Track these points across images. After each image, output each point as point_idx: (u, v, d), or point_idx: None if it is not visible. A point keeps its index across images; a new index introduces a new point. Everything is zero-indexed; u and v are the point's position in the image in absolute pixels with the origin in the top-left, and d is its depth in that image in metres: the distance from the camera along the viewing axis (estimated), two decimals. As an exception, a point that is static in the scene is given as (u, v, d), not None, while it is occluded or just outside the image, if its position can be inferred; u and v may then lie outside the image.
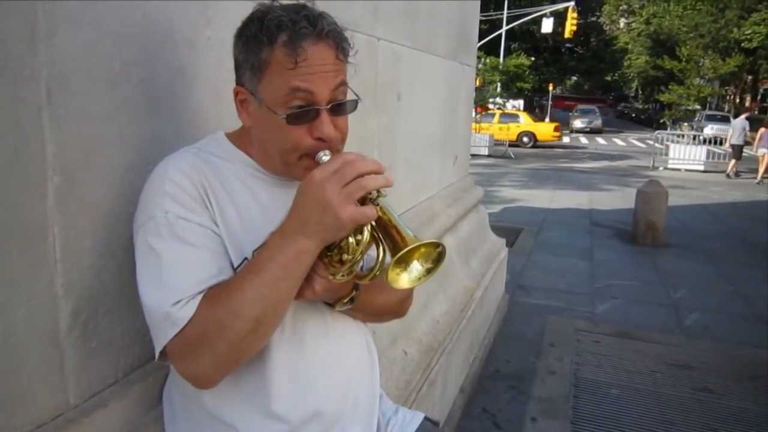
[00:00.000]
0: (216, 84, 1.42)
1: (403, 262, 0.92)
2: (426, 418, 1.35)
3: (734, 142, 15.44)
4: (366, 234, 0.97)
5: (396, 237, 0.92)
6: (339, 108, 1.02)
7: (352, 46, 1.05)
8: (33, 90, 0.97)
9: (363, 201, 0.93)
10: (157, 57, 1.24)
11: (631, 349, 4.17)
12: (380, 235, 0.96)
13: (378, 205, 0.94)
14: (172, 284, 0.95)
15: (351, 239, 0.97)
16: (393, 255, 0.91)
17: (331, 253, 1.00)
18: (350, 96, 1.06)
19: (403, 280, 0.93)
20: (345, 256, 0.98)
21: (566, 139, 28.90)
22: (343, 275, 1.00)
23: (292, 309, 1.03)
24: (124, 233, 1.15)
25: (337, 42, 1.00)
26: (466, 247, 3.75)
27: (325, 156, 1.00)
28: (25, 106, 0.96)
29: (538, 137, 23.21)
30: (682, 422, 3.23)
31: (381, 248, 0.98)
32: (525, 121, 24.27)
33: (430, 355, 2.61)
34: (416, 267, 0.94)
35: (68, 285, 1.07)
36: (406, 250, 0.89)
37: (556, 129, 23.74)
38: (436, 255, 0.94)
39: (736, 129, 15.52)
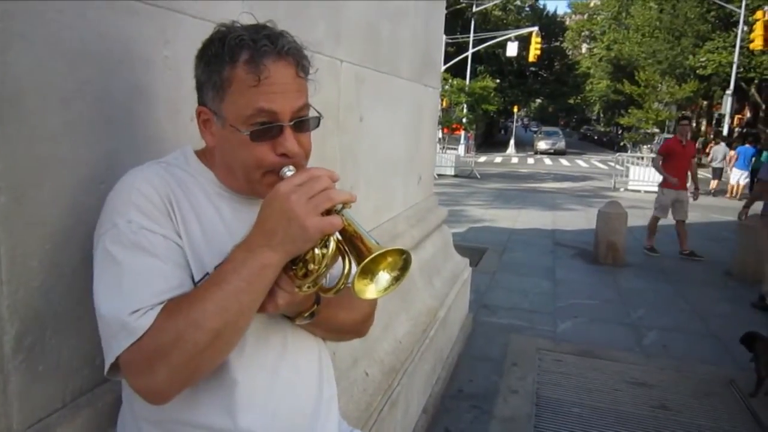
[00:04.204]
0: (174, 103, 1.41)
1: (370, 272, 0.92)
2: None
3: (716, 165, 17.17)
4: (332, 245, 0.96)
5: (361, 247, 0.92)
6: (302, 124, 1.04)
7: (311, 64, 1.07)
8: (-19, 107, 0.95)
9: (328, 213, 0.93)
10: (113, 75, 1.23)
11: (592, 368, 4.23)
12: (346, 248, 0.96)
13: (342, 216, 0.94)
14: (132, 293, 0.94)
15: (317, 251, 0.96)
16: (358, 265, 0.90)
17: (296, 267, 0.99)
18: (312, 114, 1.08)
19: (370, 290, 0.93)
20: (311, 266, 0.97)
21: (530, 161, 29.49)
22: (308, 287, 1.00)
23: (253, 327, 1.02)
24: (75, 253, 1.13)
25: (297, 60, 1.02)
26: (429, 267, 3.77)
27: (289, 171, 1.01)
28: (-29, 123, 0.94)
29: None
30: (640, 440, 3.28)
31: (347, 260, 0.97)
32: None
33: (392, 375, 2.60)
34: (383, 277, 0.94)
35: (14, 307, 1.04)
36: (370, 257, 0.89)
37: None
38: (402, 262, 0.94)
39: (718, 154, 17.16)
